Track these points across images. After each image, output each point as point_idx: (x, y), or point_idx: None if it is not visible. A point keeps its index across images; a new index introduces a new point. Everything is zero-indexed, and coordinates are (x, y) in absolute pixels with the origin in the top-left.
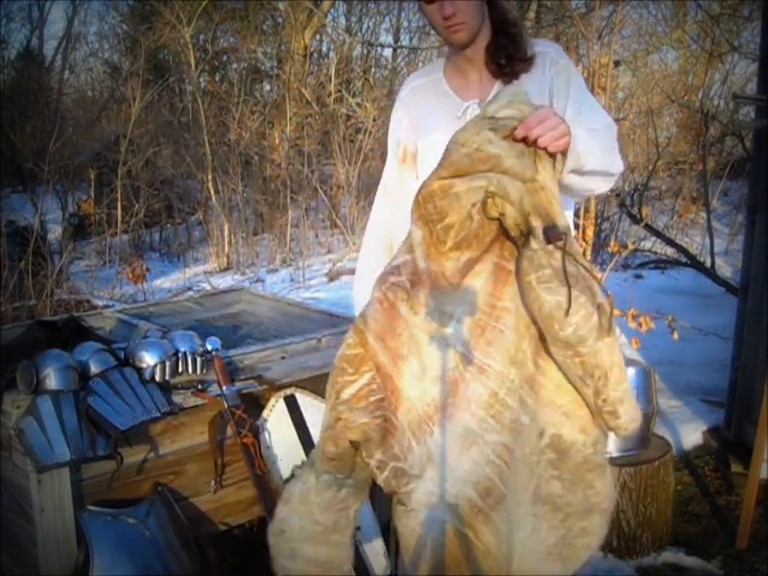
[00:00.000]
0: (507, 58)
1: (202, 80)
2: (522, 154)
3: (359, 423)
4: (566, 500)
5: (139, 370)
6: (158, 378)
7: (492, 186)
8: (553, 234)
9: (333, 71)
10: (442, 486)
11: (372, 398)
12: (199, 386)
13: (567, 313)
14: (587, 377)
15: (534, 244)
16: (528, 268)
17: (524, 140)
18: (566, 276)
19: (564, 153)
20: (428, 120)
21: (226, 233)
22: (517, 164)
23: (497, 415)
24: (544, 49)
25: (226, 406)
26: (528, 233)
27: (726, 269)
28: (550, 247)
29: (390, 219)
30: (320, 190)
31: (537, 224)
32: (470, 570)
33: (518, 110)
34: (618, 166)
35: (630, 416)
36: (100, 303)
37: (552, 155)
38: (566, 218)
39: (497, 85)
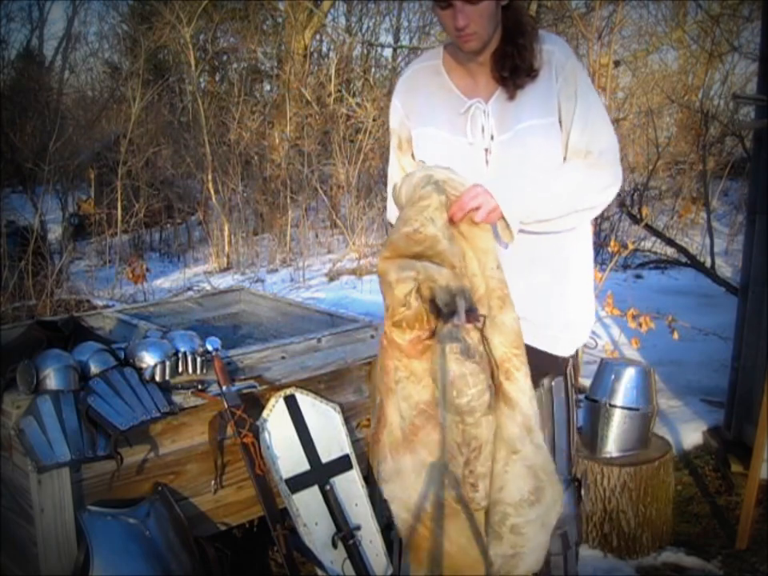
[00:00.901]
0: (511, 70)
1: (202, 80)
2: (452, 238)
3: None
4: None
5: (139, 370)
6: (158, 378)
7: (420, 274)
8: (472, 315)
9: (333, 71)
10: (402, 495)
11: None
12: (199, 386)
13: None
14: (464, 445)
15: (456, 320)
16: (445, 338)
17: (453, 217)
18: (479, 353)
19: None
20: (424, 109)
21: (226, 233)
22: (448, 249)
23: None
24: (550, 47)
25: (225, 406)
26: (453, 311)
27: (726, 269)
28: (469, 326)
29: None
30: (320, 190)
31: (461, 304)
32: (430, 560)
33: (460, 184)
34: (602, 198)
35: (486, 493)
36: (100, 303)
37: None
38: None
39: (499, 90)
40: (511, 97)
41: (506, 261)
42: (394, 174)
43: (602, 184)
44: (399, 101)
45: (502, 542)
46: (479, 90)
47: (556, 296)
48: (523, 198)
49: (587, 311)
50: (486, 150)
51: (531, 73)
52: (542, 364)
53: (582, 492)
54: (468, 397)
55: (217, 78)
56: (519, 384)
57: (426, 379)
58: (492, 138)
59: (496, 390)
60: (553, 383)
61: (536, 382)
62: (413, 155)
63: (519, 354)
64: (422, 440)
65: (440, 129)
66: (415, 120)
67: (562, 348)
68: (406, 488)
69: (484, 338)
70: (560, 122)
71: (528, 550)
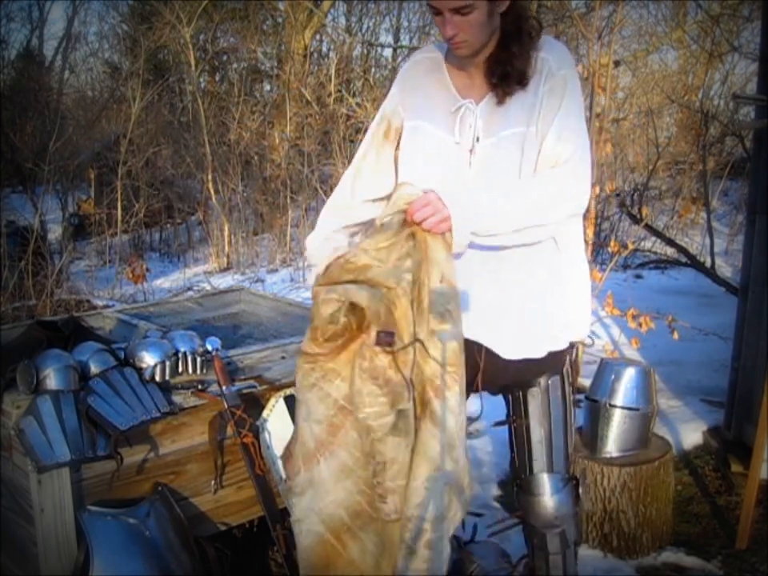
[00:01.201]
0: (501, 77)
1: (202, 80)
2: (406, 254)
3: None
4: None
5: (139, 370)
6: (158, 378)
7: (341, 296)
8: (383, 339)
9: (333, 71)
10: (318, 505)
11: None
12: (199, 386)
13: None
14: (371, 456)
15: (368, 339)
16: (357, 354)
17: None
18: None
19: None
20: (421, 103)
21: (226, 233)
22: (381, 274)
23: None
24: (545, 55)
25: (225, 406)
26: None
27: (726, 269)
28: (377, 348)
29: (349, 201)
30: (320, 190)
31: (375, 327)
32: (334, 573)
33: (404, 202)
34: (562, 210)
35: (396, 508)
36: (100, 303)
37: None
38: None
39: (490, 93)
40: (501, 102)
41: (503, 261)
42: (364, 161)
43: (566, 199)
44: (398, 89)
45: (417, 558)
46: (474, 90)
47: (556, 296)
48: (484, 210)
49: (586, 310)
50: (471, 151)
51: (522, 81)
52: (539, 363)
53: (580, 491)
54: (364, 414)
55: (217, 78)
56: (448, 402)
57: (344, 371)
58: (477, 140)
59: (423, 407)
60: (549, 382)
61: (532, 381)
62: (395, 155)
63: (453, 372)
64: (341, 440)
65: (433, 125)
66: (410, 112)
67: (561, 344)
68: (322, 497)
69: (400, 364)
70: (537, 127)
71: (440, 563)
